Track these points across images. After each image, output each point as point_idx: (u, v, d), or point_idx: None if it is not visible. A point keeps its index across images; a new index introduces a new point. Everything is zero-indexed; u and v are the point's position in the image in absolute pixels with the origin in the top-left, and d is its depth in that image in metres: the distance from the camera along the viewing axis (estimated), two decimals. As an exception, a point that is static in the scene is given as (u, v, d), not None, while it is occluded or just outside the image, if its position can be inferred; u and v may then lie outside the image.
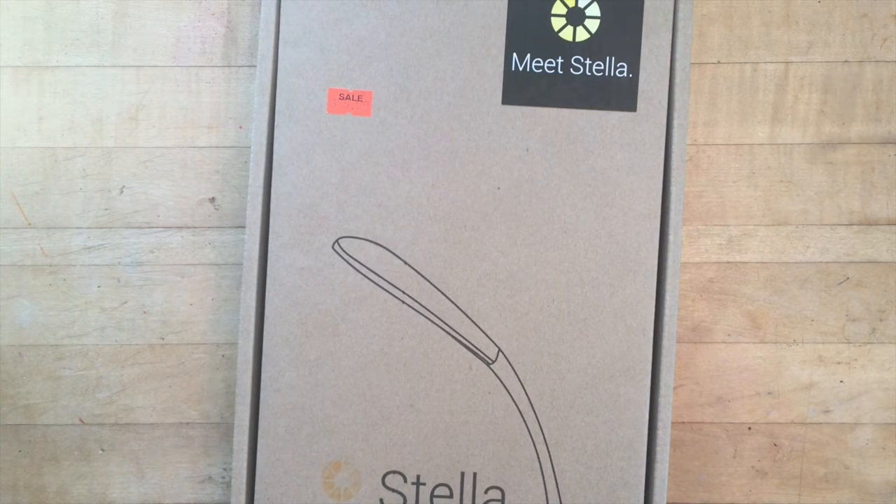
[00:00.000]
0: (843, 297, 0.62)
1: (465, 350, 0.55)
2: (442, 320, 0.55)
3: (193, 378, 0.62)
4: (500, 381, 0.55)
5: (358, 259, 0.54)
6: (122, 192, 0.62)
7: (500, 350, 0.55)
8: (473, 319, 0.55)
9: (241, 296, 0.54)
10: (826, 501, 0.62)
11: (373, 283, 0.54)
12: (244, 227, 0.59)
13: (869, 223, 0.62)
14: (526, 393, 0.55)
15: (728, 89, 0.62)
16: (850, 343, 0.62)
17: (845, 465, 0.62)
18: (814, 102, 0.62)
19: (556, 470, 0.55)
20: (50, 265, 0.62)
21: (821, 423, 0.62)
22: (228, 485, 0.62)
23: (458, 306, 0.55)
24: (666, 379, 0.54)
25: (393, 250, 0.54)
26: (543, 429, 0.55)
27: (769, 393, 0.62)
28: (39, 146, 0.62)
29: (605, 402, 0.55)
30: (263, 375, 0.55)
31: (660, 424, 0.54)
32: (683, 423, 0.62)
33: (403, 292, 0.54)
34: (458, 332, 0.55)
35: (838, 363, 0.62)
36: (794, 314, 0.62)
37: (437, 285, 0.54)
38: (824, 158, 0.62)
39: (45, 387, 0.62)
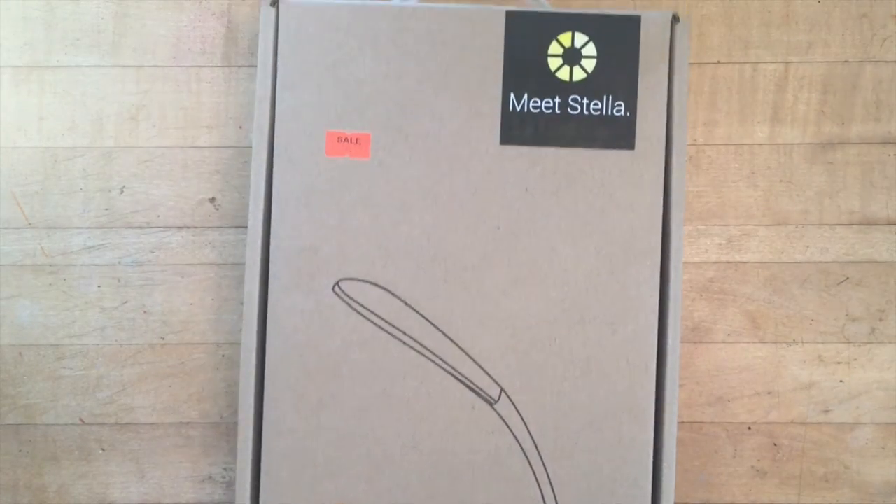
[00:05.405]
0: (842, 297, 0.62)
1: (467, 390, 0.54)
2: (444, 360, 0.54)
3: (193, 378, 0.62)
4: (504, 420, 0.54)
5: (358, 301, 0.54)
6: (122, 192, 0.62)
7: (502, 390, 0.54)
8: (475, 359, 0.54)
9: (242, 337, 0.53)
10: (826, 501, 0.62)
11: (374, 325, 0.54)
12: (244, 226, 0.59)
13: (869, 223, 0.62)
14: (529, 432, 0.54)
15: (728, 89, 0.62)
16: (849, 343, 0.62)
17: (845, 464, 0.62)
18: (814, 102, 0.62)
19: None
20: (50, 265, 0.62)
21: (821, 423, 0.62)
22: (228, 484, 0.62)
23: (459, 346, 0.54)
24: (670, 417, 0.54)
25: (393, 292, 0.54)
26: (547, 468, 0.54)
27: (769, 393, 0.62)
28: (40, 146, 0.62)
29: (608, 440, 0.54)
30: (265, 419, 0.54)
31: (664, 464, 0.54)
32: (683, 423, 0.62)
33: (405, 333, 0.54)
34: (459, 373, 0.54)
35: (838, 363, 0.62)
36: (793, 314, 0.62)
37: (438, 326, 0.54)
38: (824, 158, 0.62)
39: (46, 387, 0.62)
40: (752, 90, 0.62)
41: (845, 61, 0.62)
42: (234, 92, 0.62)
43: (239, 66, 0.62)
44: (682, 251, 0.54)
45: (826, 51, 0.62)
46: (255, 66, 0.57)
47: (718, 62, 0.62)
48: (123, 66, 0.62)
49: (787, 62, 0.62)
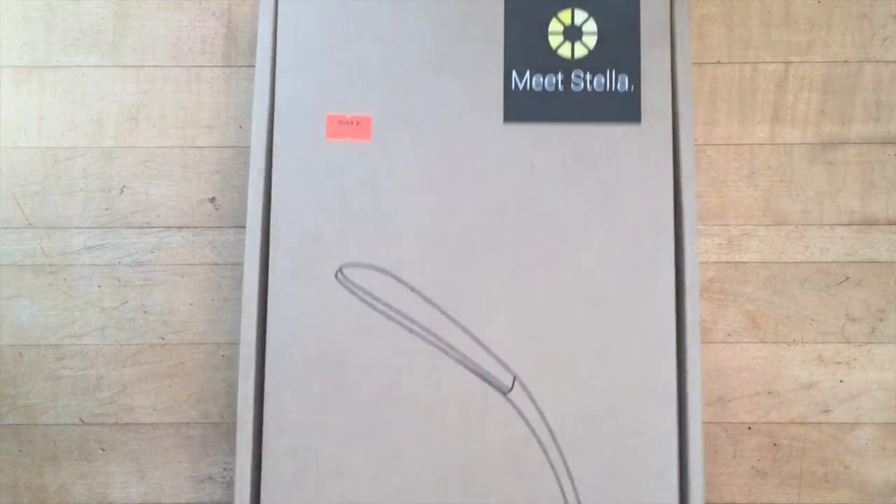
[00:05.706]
0: (842, 297, 0.62)
1: (478, 380, 0.52)
2: (453, 348, 0.52)
3: (193, 378, 0.62)
4: (518, 410, 0.52)
5: (362, 287, 0.52)
6: (122, 192, 0.62)
7: (515, 378, 0.52)
8: (486, 346, 0.52)
9: (241, 329, 0.52)
10: (826, 501, 0.62)
11: (378, 313, 0.52)
12: (244, 226, 0.59)
13: (869, 223, 0.62)
14: (546, 423, 0.52)
15: (728, 89, 0.62)
16: (849, 343, 0.62)
17: (845, 464, 0.62)
18: (814, 102, 0.62)
19: None
20: (50, 265, 0.62)
21: (821, 423, 0.62)
22: (228, 484, 0.62)
23: (469, 333, 0.52)
24: (693, 401, 0.51)
25: (398, 277, 0.52)
26: (567, 461, 0.51)
27: (769, 393, 0.62)
28: (40, 146, 0.62)
29: (630, 429, 0.51)
30: (266, 416, 0.52)
31: (692, 452, 0.51)
32: (683, 422, 0.62)
33: (411, 320, 0.52)
34: (470, 361, 0.52)
35: (838, 363, 0.62)
36: (794, 314, 0.62)
37: (446, 312, 0.52)
38: (824, 158, 0.62)
39: (46, 387, 0.62)
40: (752, 90, 0.62)
41: (845, 61, 0.62)
42: (234, 92, 0.62)
43: (239, 66, 0.62)
44: (695, 225, 0.53)
45: (826, 51, 0.62)
46: (255, 67, 0.57)
47: (718, 62, 0.62)
48: (123, 66, 0.62)
49: (787, 62, 0.62)
